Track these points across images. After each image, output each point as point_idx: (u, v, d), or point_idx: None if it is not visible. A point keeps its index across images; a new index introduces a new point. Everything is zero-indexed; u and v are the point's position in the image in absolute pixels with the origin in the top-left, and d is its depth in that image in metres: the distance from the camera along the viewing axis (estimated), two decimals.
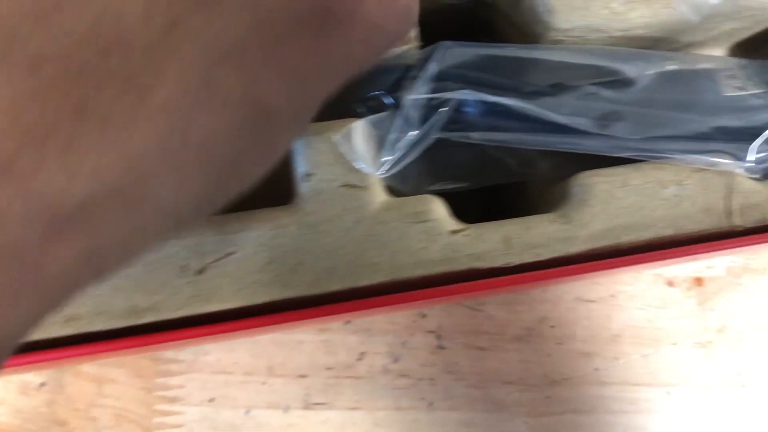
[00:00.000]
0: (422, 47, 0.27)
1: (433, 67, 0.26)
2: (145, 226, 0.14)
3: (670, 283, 0.39)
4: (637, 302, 0.39)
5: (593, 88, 0.26)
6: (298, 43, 0.15)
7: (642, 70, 0.27)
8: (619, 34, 0.27)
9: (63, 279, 0.13)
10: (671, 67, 0.27)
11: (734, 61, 0.29)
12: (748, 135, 0.26)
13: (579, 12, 0.26)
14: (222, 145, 0.14)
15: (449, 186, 0.28)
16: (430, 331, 0.38)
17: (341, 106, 0.27)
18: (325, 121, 0.26)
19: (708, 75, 0.28)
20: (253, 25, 0.14)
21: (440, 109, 0.26)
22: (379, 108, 0.27)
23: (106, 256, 0.14)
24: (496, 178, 0.28)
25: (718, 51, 0.31)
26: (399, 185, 0.27)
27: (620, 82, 0.27)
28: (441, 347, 0.38)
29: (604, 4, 0.27)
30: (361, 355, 0.38)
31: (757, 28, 0.29)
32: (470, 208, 0.29)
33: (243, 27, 0.14)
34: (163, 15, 0.13)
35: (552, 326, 0.38)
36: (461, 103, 0.26)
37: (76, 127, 0.12)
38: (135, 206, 0.14)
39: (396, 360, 0.38)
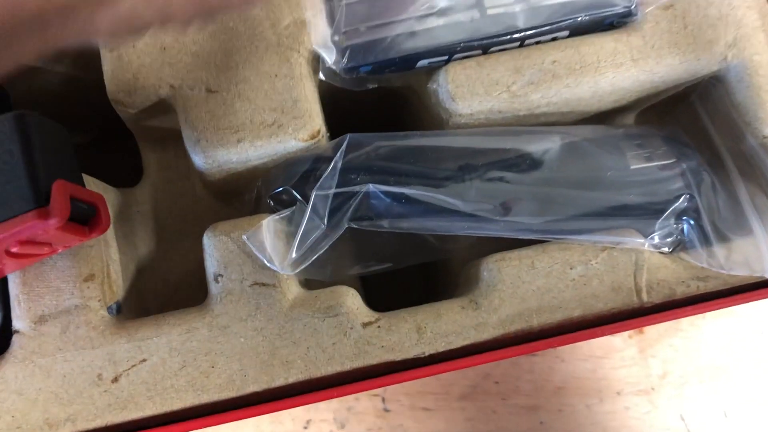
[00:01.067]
0: (331, 138, 0.28)
1: (340, 161, 0.26)
2: None
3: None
4: (579, 353, 0.39)
5: (497, 173, 0.27)
6: None
7: (545, 147, 0.27)
8: (524, 113, 0.28)
9: None
10: (575, 141, 0.28)
11: (641, 130, 0.29)
12: (654, 210, 0.27)
13: (479, 98, 0.27)
14: None
15: (370, 268, 0.28)
16: (375, 395, 0.38)
17: (252, 202, 0.28)
18: (236, 218, 0.26)
19: (615, 146, 0.28)
20: None
21: (348, 202, 0.26)
22: (289, 202, 0.27)
23: None
24: (417, 257, 0.28)
25: (630, 115, 0.32)
26: (317, 275, 0.27)
27: (525, 162, 0.27)
28: (387, 410, 0.38)
29: (503, 87, 0.27)
30: (307, 423, 0.38)
31: (662, 96, 0.29)
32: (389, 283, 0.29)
33: None
34: None
35: (496, 382, 0.39)
36: (369, 194, 0.26)
37: None
38: None
39: (342, 426, 0.38)
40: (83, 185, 0.25)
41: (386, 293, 0.33)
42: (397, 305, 0.27)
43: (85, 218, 0.24)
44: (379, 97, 0.29)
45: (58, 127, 0.25)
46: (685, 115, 0.31)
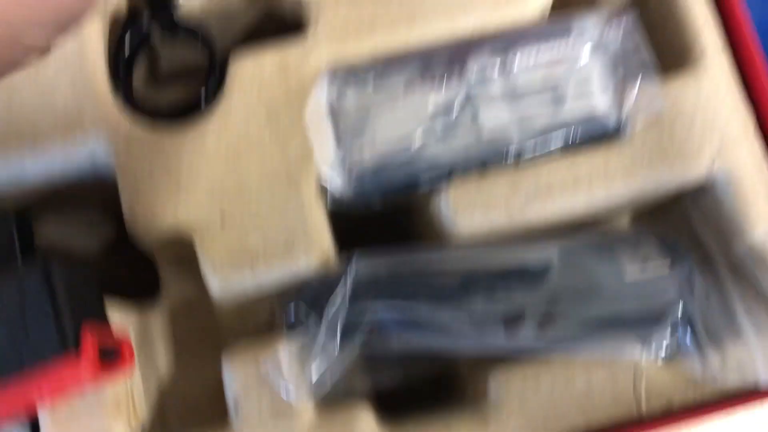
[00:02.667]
0: (339, 251, 0.29)
1: (349, 281, 0.27)
2: None
3: None
4: None
5: (499, 288, 0.28)
6: None
7: (544, 260, 0.29)
8: (522, 227, 0.29)
9: None
10: (572, 253, 0.29)
11: (635, 235, 0.31)
12: (651, 320, 0.28)
13: (479, 217, 0.28)
14: None
15: (381, 383, 0.30)
16: None
17: (266, 319, 0.29)
18: (252, 340, 0.28)
19: (610, 253, 0.30)
20: None
21: (359, 325, 0.27)
22: (302, 323, 0.28)
23: None
24: (426, 369, 0.30)
25: (623, 219, 0.33)
26: (330, 393, 0.28)
27: (525, 276, 0.28)
28: None
29: (501, 206, 0.28)
30: None
31: (654, 201, 0.31)
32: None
33: None
34: None
35: None
36: (379, 317, 0.27)
37: None
38: None
39: None
40: (108, 322, 0.27)
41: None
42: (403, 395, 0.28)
43: (111, 356, 0.25)
44: (384, 212, 0.31)
45: (84, 268, 0.26)
46: (677, 216, 0.32)
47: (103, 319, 0.26)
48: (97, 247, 0.38)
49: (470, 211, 0.28)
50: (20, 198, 0.31)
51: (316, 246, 0.28)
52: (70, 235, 0.36)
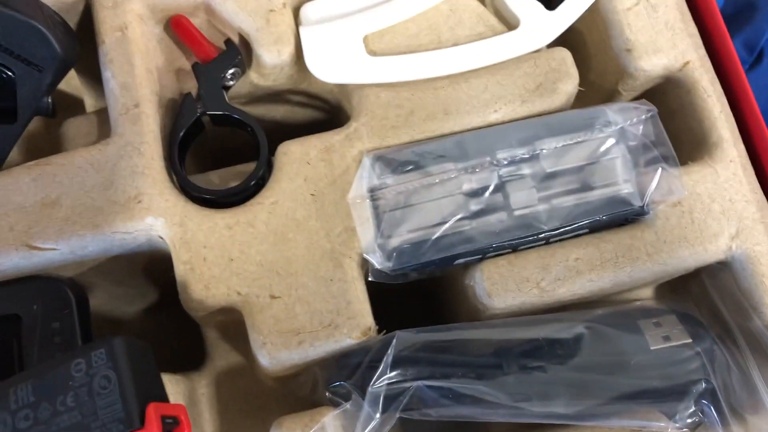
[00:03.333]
0: (379, 331, 0.31)
1: (390, 357, 0.29)
2: None
3: None
4: None
5: (531, 361, 0.30)
6: None
7: (573, 335, 0.30)
8: (551, 304, 0.31)
9: None
10: (599, 326, 0.31)
11: (657, 308, 0.32)
12: (675, 393, 0.29)
13: (512, 294, 0.30)
14: None
15: None
16: None
17: (308, 385, 0.31)
18: (296, 402, 0.29)
19: (635, 327, 0.31)
20: None
21: (399, 397, 0.29)
22: (346, 395, 0.30)
23: None
24: None
25: (646, 290, 0.35)
26: None
27: (555, 350, 0.30)
28: None
29: (534, 284, 0.30)
30: None
31: (676, 275, 0.33)
32: None
33: None
34: None
35: None
36: (418, 388, 0.29)
37: None
38: None
39: None
40: (167, 399, 0.28)
41: None
42: None
43: (170, 429, 0.27)
44: (420, 282, 0.33)
45: (143, 345, 0.28)
46: (697, 290, 0.34)
47: (161, 390, 0.28)
48: (144, 313, 0.40)
49: (504, 290, 0.30)
50: (78, 269, 0.33)
51: (358, 320, 0.30)
52: (120, 300, 0.38)
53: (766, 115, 0.44)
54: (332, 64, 0.33)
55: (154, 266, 0.34)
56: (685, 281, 0.34)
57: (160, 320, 0.40)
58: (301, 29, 0.33)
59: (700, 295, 0.34)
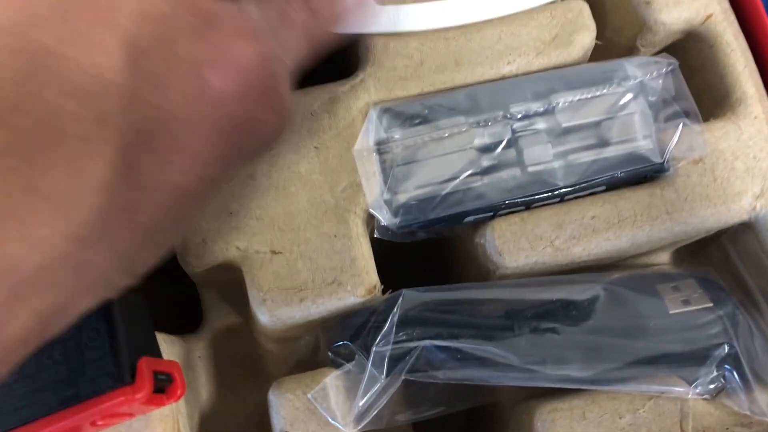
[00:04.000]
0: (384, 291, 0.29)
1: (396, 316, 0.28)
2: (87, 287, 0.17)
3: None
4: None
5: (545, 323, 0.28)
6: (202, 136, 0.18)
7: (588, 296, 0.29)
8: (566, 264, 0.29)
9: (21, 339, 0.16)
10: (616, 288, 0.29)
11: (676, 273, 0.31)
12: (696, 358, 0.28)
13: (524, 252, 0.29)
14: (144, 216, 0.18)
15: (423, 414, 0.30)
16: None
17: (309, 346, 0.29)
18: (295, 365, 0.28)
19: (653, 291, 0.30)
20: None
21: (406, 357, 0.27)
22: (348, 355, 0.28)
23: (54, 316, 0.17)
24: (470, 402, 0.30)
25: (664, 255, 0.33)
26: (373, 425, 0.28)
27: (570, 312, 0.29)
28: None
29: (547, 242, 0.29)
30: None
31: (694, 239, 0.31)
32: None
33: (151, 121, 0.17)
34: (92, 111, 0.16)
35: None
36: (425, 349, 0.28)
37: (31, 205, 0.15)
38: (79, 270, 0.17)
39: None
40: (161, 355, 0.27)
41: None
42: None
43: (163, 387, 0.25)
44: (427, 242, 0.31)
45: (137, 299, 0.27)
46: (717, 254, 0.32)
47: (154, 346, 0.26)
48: None
49: (516, 248, 0.29)
50: None
51: (362, 278, 0.28)
52: None
53: None
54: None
55: None
56: (704, 246, 0.33)
57: (157, 280, 0.38)
58: None
59: (721, 260, 0.32)
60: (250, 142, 0.21)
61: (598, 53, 0.33)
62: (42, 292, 0.16)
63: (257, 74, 0.19)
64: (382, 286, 0.29)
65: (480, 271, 0.30)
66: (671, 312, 0.29)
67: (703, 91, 0.32)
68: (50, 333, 0.18)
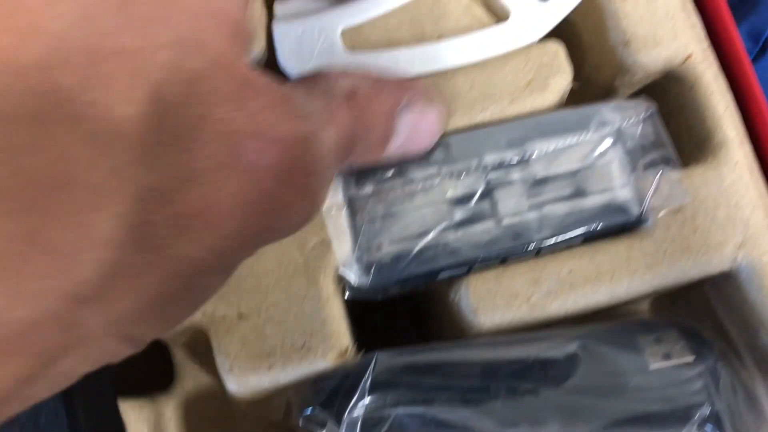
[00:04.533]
0: (359, 351, 0.29)
1: (368, 381, 0.27)
2: (78, 349, 0.16)
3: None
4: None
5: (522, 384, 0.27)
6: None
7: (566, 353, 0.28)
8: (543, 320, 0.29)
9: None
10: (594, 344, 0.28)
11: (657, 322, 0.30)
12: (677, 417, 0.27)
13: (500, 311, 0.28)
14: (149, 283, 0.16)
15: None
16: None
17: (280, 409, 0.29)
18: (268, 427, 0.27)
19: (633, 343, 0.29)
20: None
21: (379, 425, 0.27)
22: (322, 422, 0.27)
23: (37, 377, 0.15)
24: None
25: (645, 302, 0.33)
26: None
27: (547, 371, 0.28)
28: None
29: (523, 299, 0.28)
30: None
31: (677, 286, 0.30)
32: None
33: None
34: (108, 160, 0.14)
35: None
36: (398, 416, 0.27)
37: (25, 254, 0.14)
38: (71, 330, 0.15)
39: None
40: (121, 421, 0.26)
41: None
42: None
43: None
44: (402, 299, 0.30)
45: (98, 372, 0.26)
46: (699, 301, 0.31)
47: (118, 423, 0.25)
48: None
49: (491, 306, 0.28)
50: None
51: (333, 341, 0.27)
52: None
53: None
54: (306, 60, 0.30)
55: None
56: (686, 292, 0.32)
57: None
58: (274, 24, 0.30)
59: (703, 308, 0.32)
60: (276, 224, 0.19)
61: (577, 92, 0.32)
62: (25, 351, 0.15)
63: (296, 154, 0.18)
64: (362, 344, 0.29)
65: (456, 328, 0.30)
66: (652, 367, 0.28)
67: (683, 133, 0.31)
68: (33, 396, 0.16)
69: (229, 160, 0.16)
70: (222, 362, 0.27)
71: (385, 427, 0.27)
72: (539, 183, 0.29)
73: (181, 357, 0.32)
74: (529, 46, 0.30)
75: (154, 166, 0.15)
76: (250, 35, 0.19)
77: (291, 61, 0.30)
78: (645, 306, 0.33)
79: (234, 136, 0.16)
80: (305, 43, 0.30)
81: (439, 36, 0.31)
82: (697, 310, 0.32)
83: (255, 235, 0.18)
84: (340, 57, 0.30)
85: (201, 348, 0.31)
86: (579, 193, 0.29)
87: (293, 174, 0.18)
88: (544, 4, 0.30)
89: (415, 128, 0.25)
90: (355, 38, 0.31)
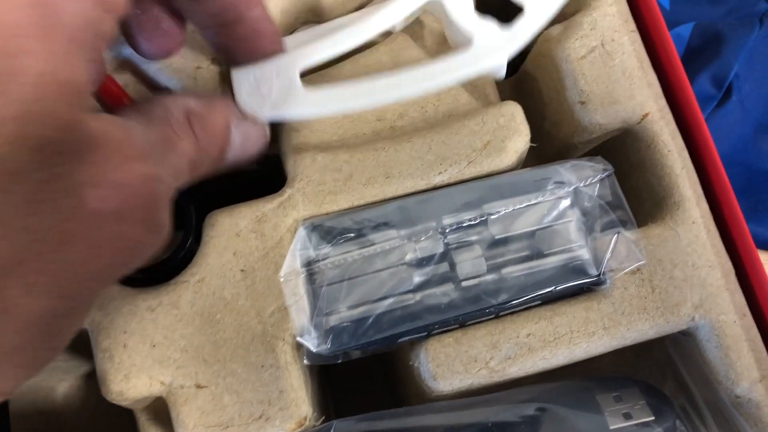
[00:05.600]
0: (317, 417, 0.29)
1: None
2: None
3: None
4: None
5: None
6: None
7: (528, 416, 0.28)
8: (502, 383, 0.29)
9: None
10: (553, 406, 0.29)
11: (617, 381, 0.30)
12: None
13: (459, 376, 0.28)
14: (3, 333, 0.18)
15: None
16: None
17: None
18: None
19: (592, 403, 0.29)
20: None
21: None
22: None
23: None
24: None
25: (607, 356, 0.33)
26: None
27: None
28: None
29: (482, 364, 0.28)
30: None
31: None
32: None
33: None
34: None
35: None
36: None
37: None
38: None
39: None
40: None
41: None
42: None
43: None
44: (377, 359, 0.30)
45: None
46: (661, 357, 0.32)
47: None
48: (74, 389, 0.38)
49: (450, 372, 0.28)
50: None
51: (292, 411, 0.27)
52: (47, 374, 0.36)
53: (735, 154, 0.42)
54: (265, 99, 0.29)
55: (81, 341, 0.32)
56: (650, 346, 0.32)
57: (90, 398, 0.37)
58: (233, 71, 0.30)
59: (665, 362, 0.32)
60: (129, 260, 0.21)
61: (536, 148, 0.32)
62: None
63: (137, 195, 0.19)
64: (323, 410, 0.29)
65: (417, 392, 0.30)
66: (612, 428, 0.28)
67: (642, 189, 0.32)
68: None
69: (72, 210, 0.18)
70: (179, 430, 0.27)
71: None
72: (498, 244, 0.29)
73: (143, 420, 0.32)
74: (487, 108, 0.30)
75: (6, 236, 0.16)
76: (93, 84, 0.20)
77: (249, 102, 0.30)
78: (608, 359, 0.33)
79: (78, 189, 0.18)
80: (263, 83, 0.30)
81: (401, 65, 0.30)
82: (660, 364, 0.32)
83: (105, 273, 0.20)
84: (299, 94, 0.30)
85: (163, 410, 0.31)
86: (537, 254, 0.29)
87: (138, 212, 0.20)
88: (505, 31, 0.29)
89: (247, 137, 0.26)
90: (314, 76, 0.31)
